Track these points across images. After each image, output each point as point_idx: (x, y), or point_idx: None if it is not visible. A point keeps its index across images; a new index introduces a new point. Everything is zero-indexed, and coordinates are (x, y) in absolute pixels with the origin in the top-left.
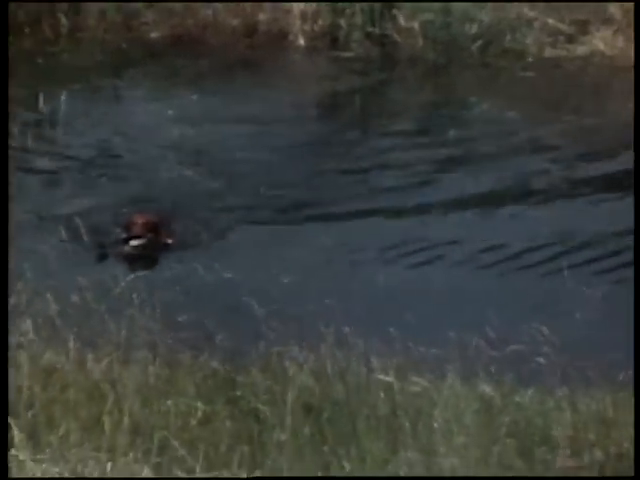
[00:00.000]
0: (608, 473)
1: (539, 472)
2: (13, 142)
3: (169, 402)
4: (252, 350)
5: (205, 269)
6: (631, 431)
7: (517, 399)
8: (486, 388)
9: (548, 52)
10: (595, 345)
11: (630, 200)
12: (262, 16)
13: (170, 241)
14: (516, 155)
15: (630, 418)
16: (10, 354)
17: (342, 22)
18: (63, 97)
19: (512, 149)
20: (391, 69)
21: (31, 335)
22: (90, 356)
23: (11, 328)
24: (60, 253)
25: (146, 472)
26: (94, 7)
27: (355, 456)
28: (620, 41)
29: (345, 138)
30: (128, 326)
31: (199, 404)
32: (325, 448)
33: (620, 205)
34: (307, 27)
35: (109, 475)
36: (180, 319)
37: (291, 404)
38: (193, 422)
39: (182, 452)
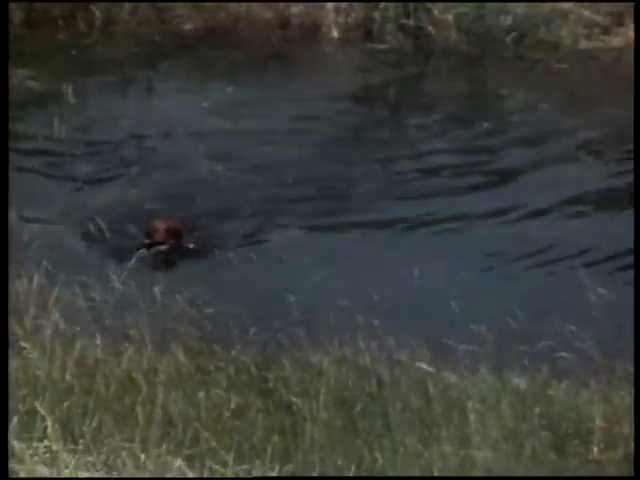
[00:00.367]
0: None
1: (572, 465)
2: (46, 133)
3: (201, 394)
4: (285, 343)
5: (238, 262)
6: None
7: (550, 392)
8: (519, 381)
9: (583, 44)
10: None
11: None
12: (295, 9)
13: (192, 246)
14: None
15: None
16: (43, 346)
17: (376, 14)
18: (97, 89)
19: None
20: (425, 61)
21: (62, 325)
22: (122, 348)
23: (42, 321)
24: (89, 247)
25: (178, 463)
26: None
27: (388, 448)
28: None
29: (379, 131)
30: (160, 319)
31: (232, 396)
32: (358, 441)
33: None
34: (340, 19)
35: (142, 467)
36: (212, 312)
37: (324, 397)
38: (226, 414)
39: (214, 444)
